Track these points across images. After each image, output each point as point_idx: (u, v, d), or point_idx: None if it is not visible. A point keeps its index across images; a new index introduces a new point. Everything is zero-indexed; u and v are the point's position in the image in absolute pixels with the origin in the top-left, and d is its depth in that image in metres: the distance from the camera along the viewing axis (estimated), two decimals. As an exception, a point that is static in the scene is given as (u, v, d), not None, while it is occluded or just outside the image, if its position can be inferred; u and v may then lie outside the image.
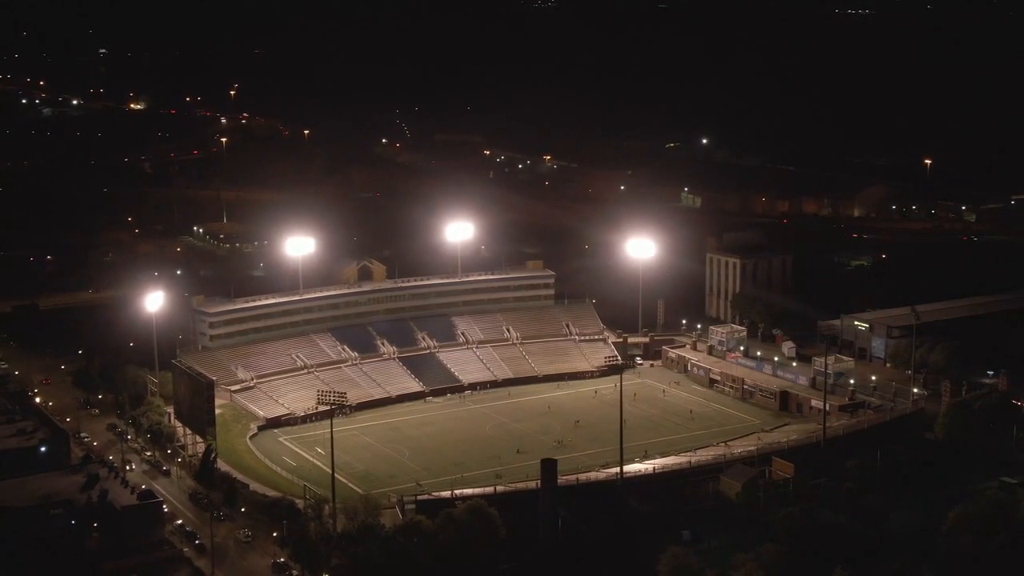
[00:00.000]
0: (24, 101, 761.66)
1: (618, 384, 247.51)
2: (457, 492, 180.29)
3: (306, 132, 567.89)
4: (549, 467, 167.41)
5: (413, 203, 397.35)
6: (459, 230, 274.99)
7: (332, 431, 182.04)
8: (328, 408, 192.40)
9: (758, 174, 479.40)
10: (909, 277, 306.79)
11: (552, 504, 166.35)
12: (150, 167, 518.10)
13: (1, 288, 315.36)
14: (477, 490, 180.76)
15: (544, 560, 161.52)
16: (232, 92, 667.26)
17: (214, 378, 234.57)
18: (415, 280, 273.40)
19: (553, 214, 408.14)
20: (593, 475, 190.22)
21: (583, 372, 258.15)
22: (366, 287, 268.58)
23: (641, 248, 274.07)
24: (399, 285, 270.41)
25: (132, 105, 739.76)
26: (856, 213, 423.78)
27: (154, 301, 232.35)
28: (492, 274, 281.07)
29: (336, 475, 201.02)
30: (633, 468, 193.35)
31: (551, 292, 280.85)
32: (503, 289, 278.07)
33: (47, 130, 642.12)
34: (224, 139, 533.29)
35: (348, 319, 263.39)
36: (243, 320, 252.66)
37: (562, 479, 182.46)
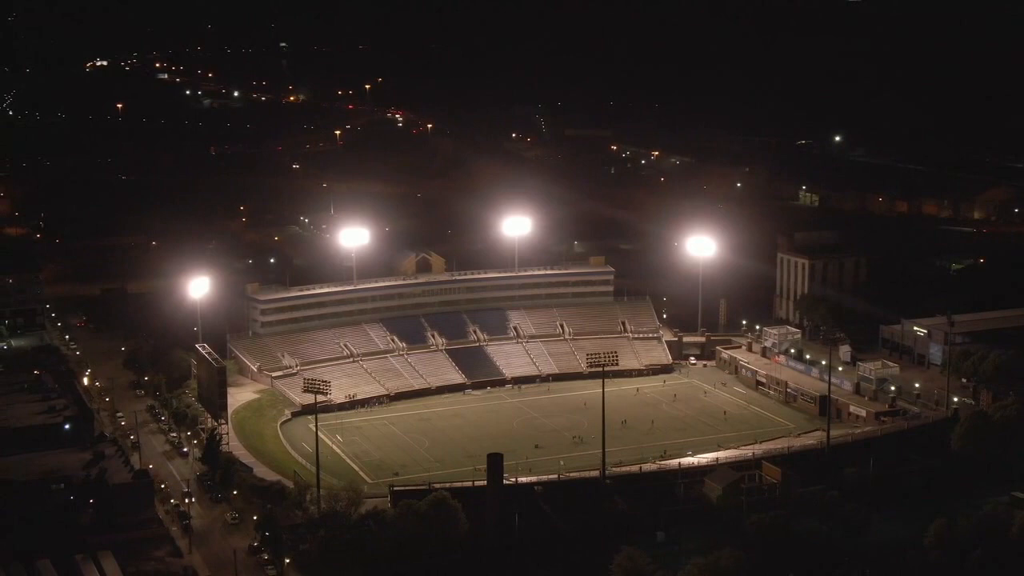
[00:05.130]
0: (187, 92, 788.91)
1: (665, 382, 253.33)
2: (437, 484, 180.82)
3: (429, 126, 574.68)
4: (495, 462, 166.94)
5: (517, 198, 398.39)
6: (516, 224, 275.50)
7: (316, 422, 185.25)
8: (314, 395, 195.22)
9: (885, 173, 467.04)
10: (1004, 281, 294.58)
11: (499, 499, 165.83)
12: (285, 159, 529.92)
13: (98, 271, 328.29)
14: (456, 484, 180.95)
15: (494, 555, 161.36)
16: (368, 86, 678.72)
17: (256, 364, 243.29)
18: (470, 273, 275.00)
19: (658, 209, 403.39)
20: (575, 473, 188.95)
21: (630, 370, 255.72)
22: (421, 279, 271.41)
23: (701, 246, 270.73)
24: (453, 278, 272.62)
25: (291, 98, 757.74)
26: (976, 215, 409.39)
27: (199, 287, 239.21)
28: (549, 269, 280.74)
29: (349, 462, 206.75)
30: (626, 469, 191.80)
31: (610, 289, 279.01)
32: (560, 284, 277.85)
33: (199, 120, 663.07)
34: (338, 132, 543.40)
35: (402, 310, 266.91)
36: (295, 308, 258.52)
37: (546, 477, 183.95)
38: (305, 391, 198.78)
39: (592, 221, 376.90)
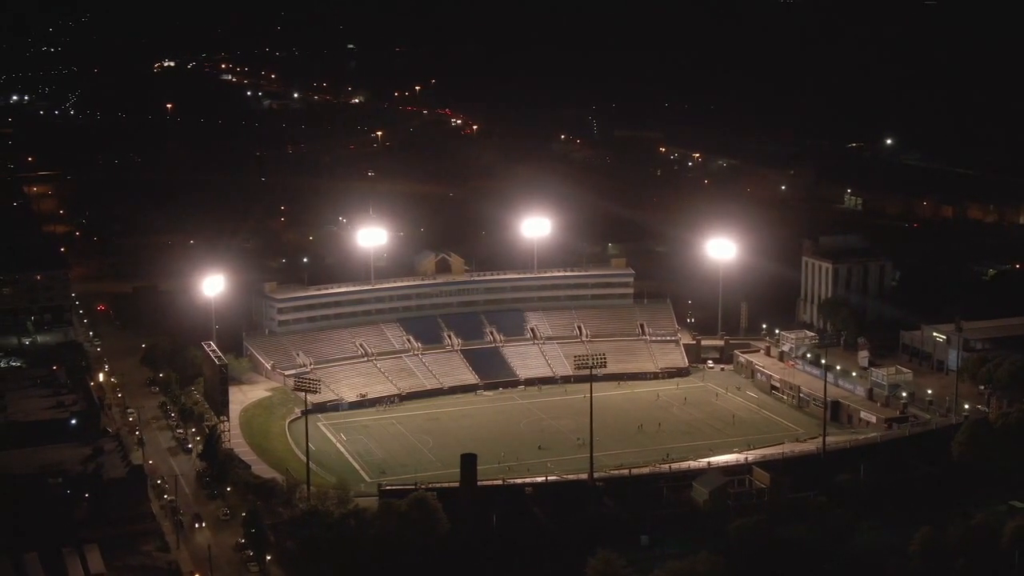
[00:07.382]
0: (249, 94, 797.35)
1: (679, 385, 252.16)
2: (433, 484, 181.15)
3: (475, 127, 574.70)
4: (468, 463, 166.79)
5: (550, 199, 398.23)
6: (535, 225, 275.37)
7: (307, 422, 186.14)
8: (304, 392, 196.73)
9: (934, 177, 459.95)
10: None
11: (471, 499, 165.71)
12: (329, 159, 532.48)
13: (134, 269, 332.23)
14: (443, 484, 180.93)
15: (468, 555, 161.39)
16: (418, 88, 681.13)
17: (270, 363, 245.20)
18: (488, 274, 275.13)
19: (694, 211, 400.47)
20: (567, 476, 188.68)
21: (645, 373, 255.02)
22: (440, 279, 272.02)
23: (721, 249, 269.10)
24: (472, 279, 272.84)
25: (352, 99, 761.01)
26: (1022, 220, 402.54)
27: (213, 285, 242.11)
28: (568, 271, 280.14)
29: (352, 461, 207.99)
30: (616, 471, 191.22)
31: (630, 291, 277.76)
32: (579, 286, 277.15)
33: (256, 122, 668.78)
34: (379, 133, 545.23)
35: (420, 310, 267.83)
36: (312, 307, 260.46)
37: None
38: (295, 389, 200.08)
39: (626, 223, 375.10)
